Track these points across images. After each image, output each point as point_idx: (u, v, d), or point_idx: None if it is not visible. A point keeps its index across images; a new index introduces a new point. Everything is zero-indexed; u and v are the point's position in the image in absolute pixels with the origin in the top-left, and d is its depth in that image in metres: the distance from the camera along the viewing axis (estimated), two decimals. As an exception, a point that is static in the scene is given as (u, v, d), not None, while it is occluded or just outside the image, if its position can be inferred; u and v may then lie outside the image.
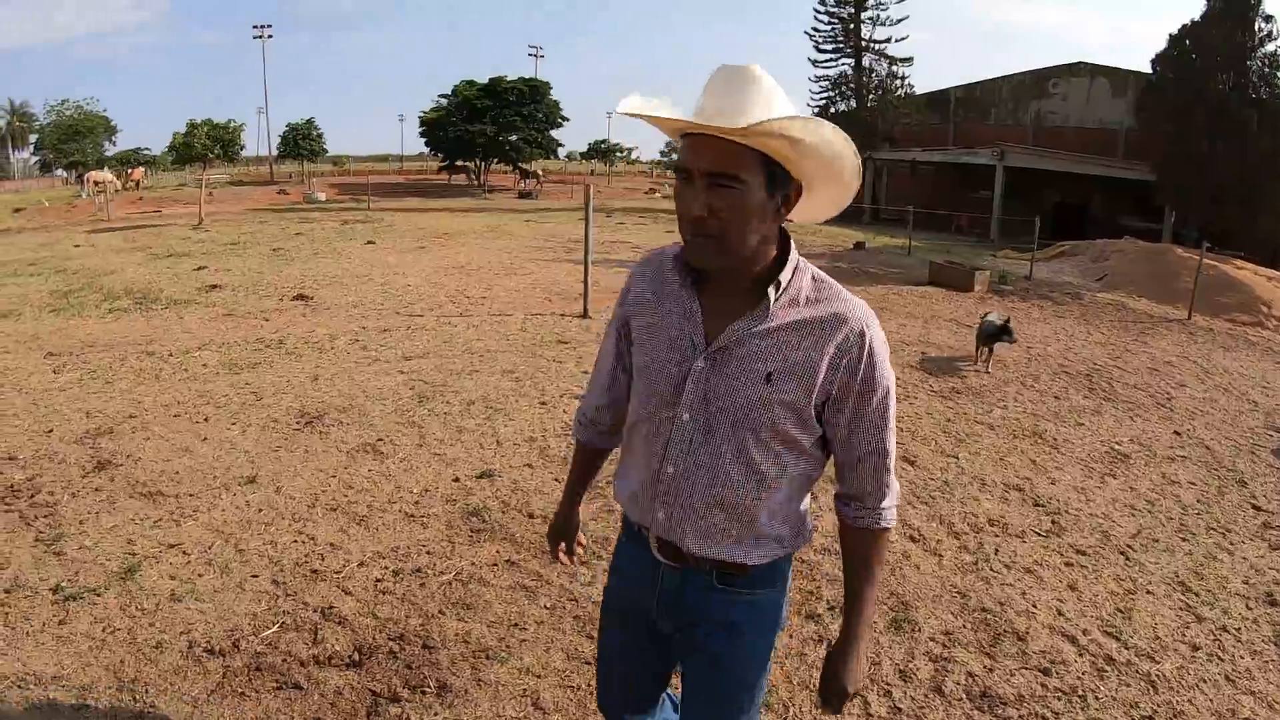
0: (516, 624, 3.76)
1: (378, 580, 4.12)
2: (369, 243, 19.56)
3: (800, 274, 1.62)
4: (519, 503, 5.02)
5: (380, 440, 6.00)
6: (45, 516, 4.91)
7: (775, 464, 1.62)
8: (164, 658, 3.52)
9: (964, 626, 4.01)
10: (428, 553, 4.40)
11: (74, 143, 64.40)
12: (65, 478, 5.48)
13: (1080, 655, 3.86)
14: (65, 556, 4.42)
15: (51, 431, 6.40)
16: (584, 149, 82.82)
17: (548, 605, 3.93)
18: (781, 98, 1.47)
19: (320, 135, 65.67)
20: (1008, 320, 9.10)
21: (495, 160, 51.86)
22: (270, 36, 67.39)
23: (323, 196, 40.21)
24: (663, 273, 1.72)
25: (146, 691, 3.30)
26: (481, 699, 3.25)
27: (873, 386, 1.59)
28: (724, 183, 1.47)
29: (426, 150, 56.44)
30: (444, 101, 52.47)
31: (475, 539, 4.55)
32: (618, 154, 79.11)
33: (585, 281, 11.40)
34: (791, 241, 1.62)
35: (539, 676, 3.41)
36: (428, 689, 3.28)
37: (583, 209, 11.32)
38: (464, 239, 20.53)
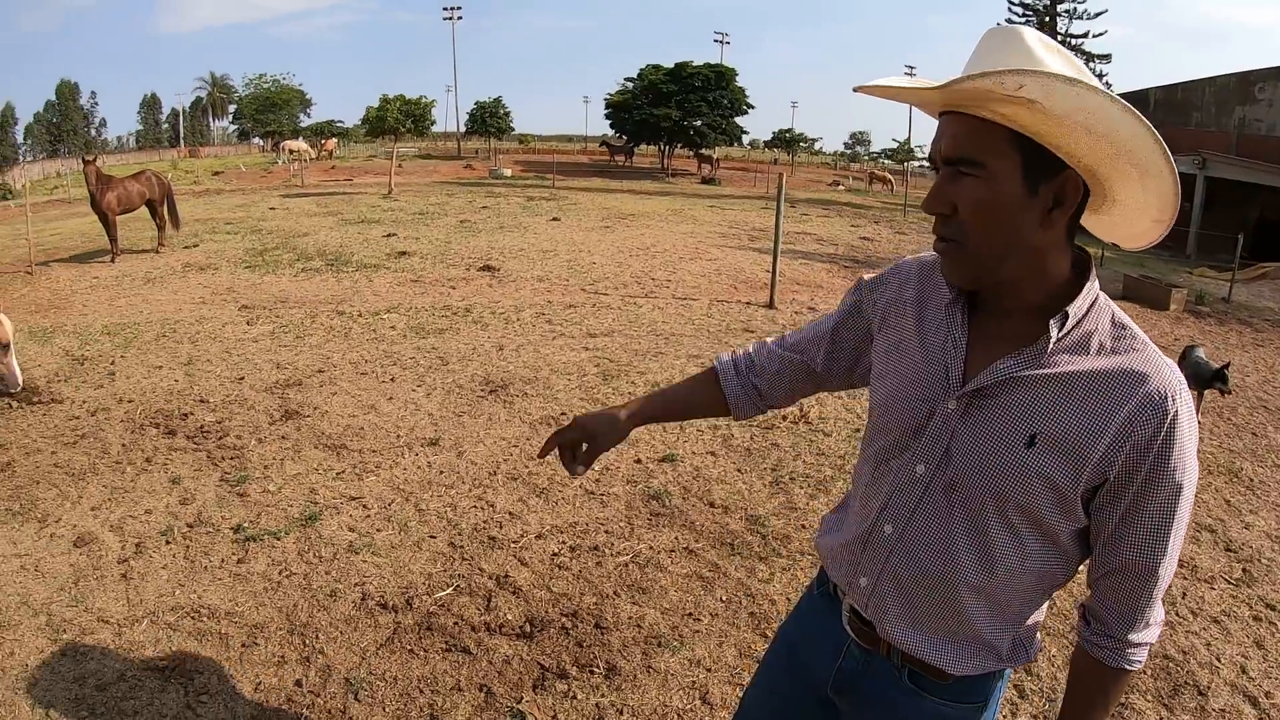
0: (691, 614, 3.68)
1: (554, 554, 4.13)
2: (554, 219, 20.14)
3: (1098, 312, 1.30)
4: (700, 490, 4.93)
5: (563, 414, 6.06)
6: (232, 459, 5.28)
7: (1016, 552, 1.33)
8: (337, 607, 3.66)
9: (1144, 672, 3.62)
10: (606, 532, 4.38)
11: (270, 114, 71.36)
12: (253, 424, 5.88)
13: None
14: (248, 499, 4.72)
15: (243, 379, 6.92)
16: (768, 137, 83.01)
17: (723, 598, 3.82)
18: (1062, 63, 1.18)
19: (507, 114, 69.68)
20: (1226, 366, 7.97)
21: (679, 145, 53.02)
22: (460, 18, 71.63)
23: (508, 172, 42.05)
24: (935, 280, 1.46)
25: (316, 637, 3.45)
26: (649, 686, 3.19)
27: (1162, 480, 1.24)
28: (963, 169, 1.23)
29: (611, 132, 58.27)
30: (629, 85, 54.22)
31: (654, 523, 4.50)
32: (801, 144, 78.58)
33: (773, 271, 11.18)
34: (1092, 269, 1.31)
35: (709, 670, 3.31)
36: (596, 669, 3.26)
37: (765, 197, 11.14)
38: (648, 221, 20.77)
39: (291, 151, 45.34)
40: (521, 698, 3.09)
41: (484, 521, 4.45)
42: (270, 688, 3.14)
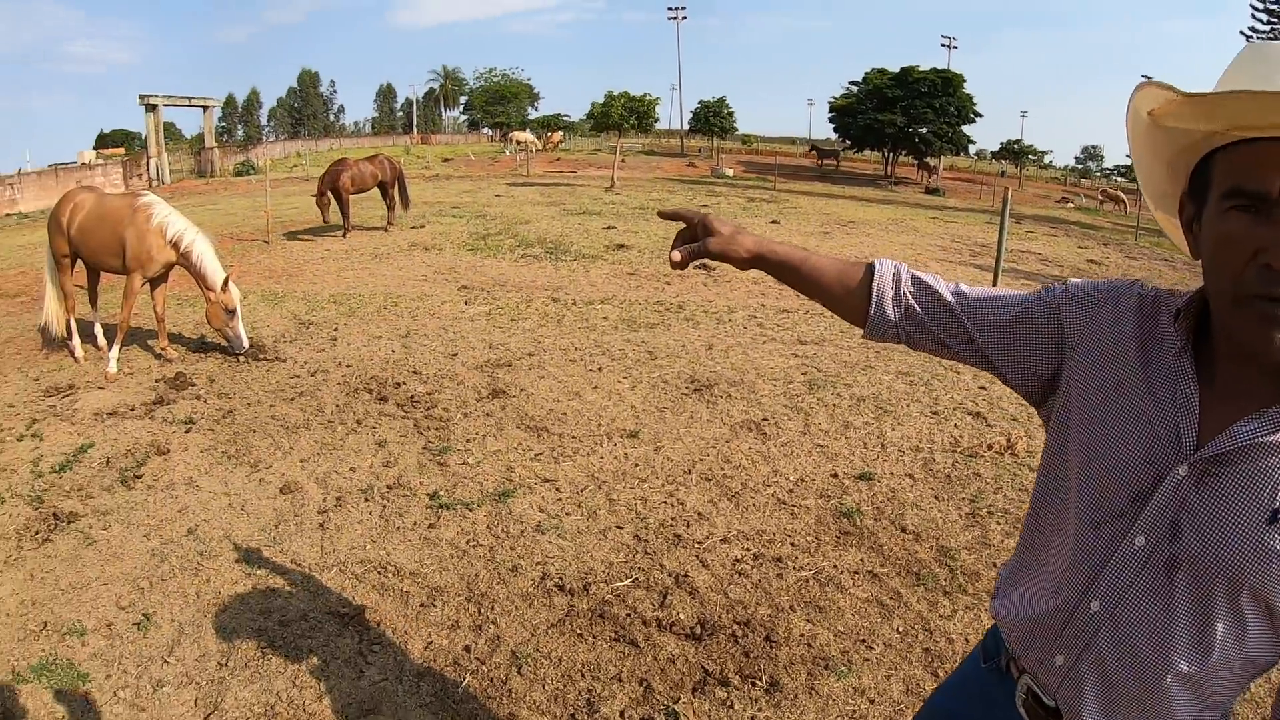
0: (864, 640, 3.56)
1: (736, 560, 4.12)
2: (773, 222, 20.08)
3: None
4: (893, 513, 4.76)
5: (765, 420, 6.03)
6: (437, 429, 5.62)
7: (1236, 637, 1.21)
8: (516, 582, 3.82)
9: None
10: (791, 544, 4.32)
11: (499, 106, 76.72)
12: (461, 398, 6.24)
13: None
14: (447, 469, 5.01)
15: (455, 355, 7.35)
16: (995, 148, 79.91)
17: (900, 629, 3.67)
18: None
19: (731, 114, 70.99)
20: None
21: (904, 152, 52.07)
22: (684, 18, 73.68)
23: (729, 172, 42.50)
24: (1156, 323, 1.32)
25: (492, 608, 3.62)
26: (809, 708, 3.11)
27: None
28: None
29: (835, 136, 58.00)
30: (854, 89, 54.29)
31: (842, 541, 4.39)
32: (1029, 156, 74.75)
33: (992, 291, 10.61)
34: None
35: (872, 702, 3.19)
36: (759, 682, 3.23)
37: (989, 211, 10.56)
38: (867, 229, 20.27)
39: (518, 142, 48.57)
40: (679, 698, 3.10)
41: (672, 518, 4.50)
42: (440, 648, 3.33)
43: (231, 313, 7.02)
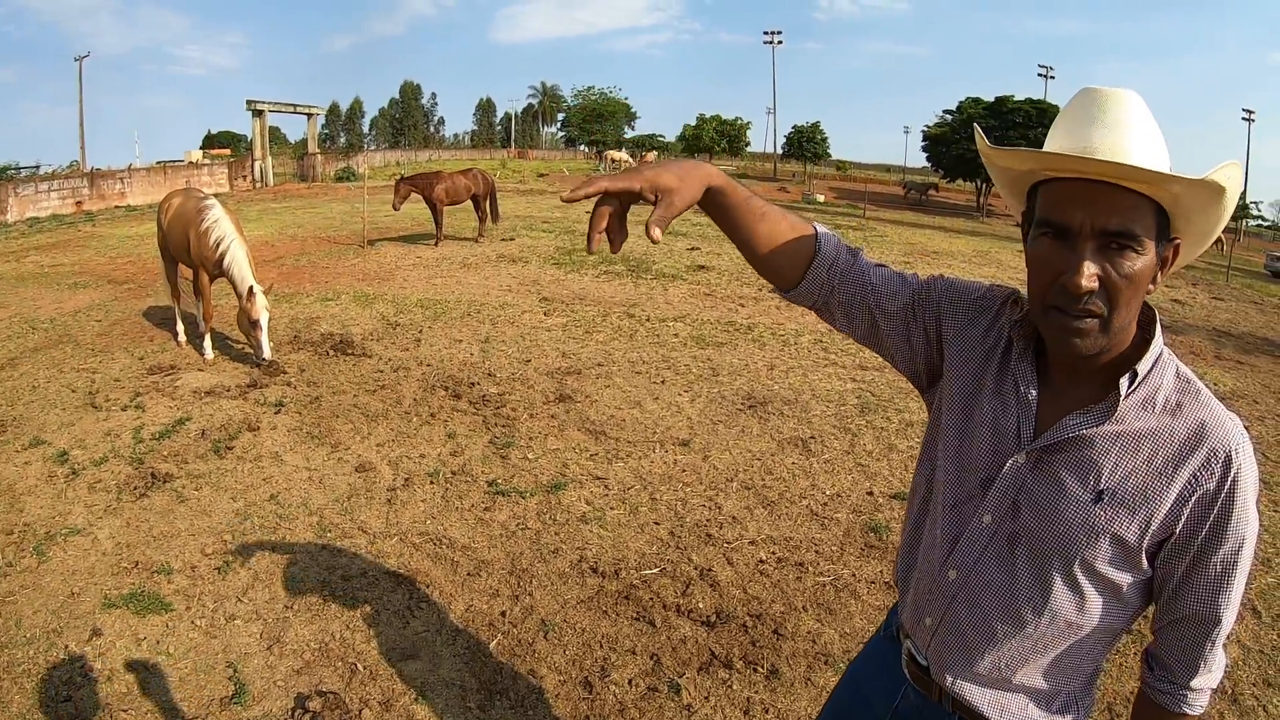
0: (866, 642, 3.80)
1: (761, 561, 4.43)
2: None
3: (1162, 368, 1.36)
4: (921, 533, 4.97)
5: (813, 438, 6.31)
6: (503, 426, 6.07)
7: (1077, 607, 1.39)
8: (555, 562, 4.22)
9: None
10: (816, 551, 4.60)
11: (596, 124, 77.64)
12: (529, 400, 6.68)
13: None
14: (508, 461, 5.45)
15: (529, 362, 7.81)
16: None
17: None
18: (1157, 133, 1.28)
19: (824, 139, 70.29)
20: None
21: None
22: (780, 42, 73.63)
23: (821, 198, 42.50)
24: (1003, 330, 1.49)
25: (530, 582, 4.03)
26: (802, 696, 3.40)
27: (1225, 533, 1.30)
28: (1124, 243, 1.25)
29: (928, 164, 57.42)
30: (948, 117, 53.63)
31: (866, 554, 4.64)
32: None
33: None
34: (1158, 322, 1.38)
35: None
36: (760, 668, 3.52)
37: None
38: (950, 260, 20.26)
39: (613, 160, 49.81)
40: (684, 674, 3.44)
41: (706, 520, 4.83)
42: (479, 611, 3.76)
43: (254, 323, 7.19)
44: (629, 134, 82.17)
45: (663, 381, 7.50)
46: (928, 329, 1.56)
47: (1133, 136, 1.24)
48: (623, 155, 51.70)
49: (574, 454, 5.67)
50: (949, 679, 1.52)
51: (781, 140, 72.21)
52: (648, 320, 10.03)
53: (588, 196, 1.38)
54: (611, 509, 4.89)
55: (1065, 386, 1.40)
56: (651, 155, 65.75)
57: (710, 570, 4.25)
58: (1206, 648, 1.37)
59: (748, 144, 63.33)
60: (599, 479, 5.29)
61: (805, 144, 68.13)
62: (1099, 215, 1.24)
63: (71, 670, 3.28)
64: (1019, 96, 50.30)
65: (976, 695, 1.50)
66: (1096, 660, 1.49)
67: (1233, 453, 1.28)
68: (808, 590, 4.18)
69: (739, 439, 6.19)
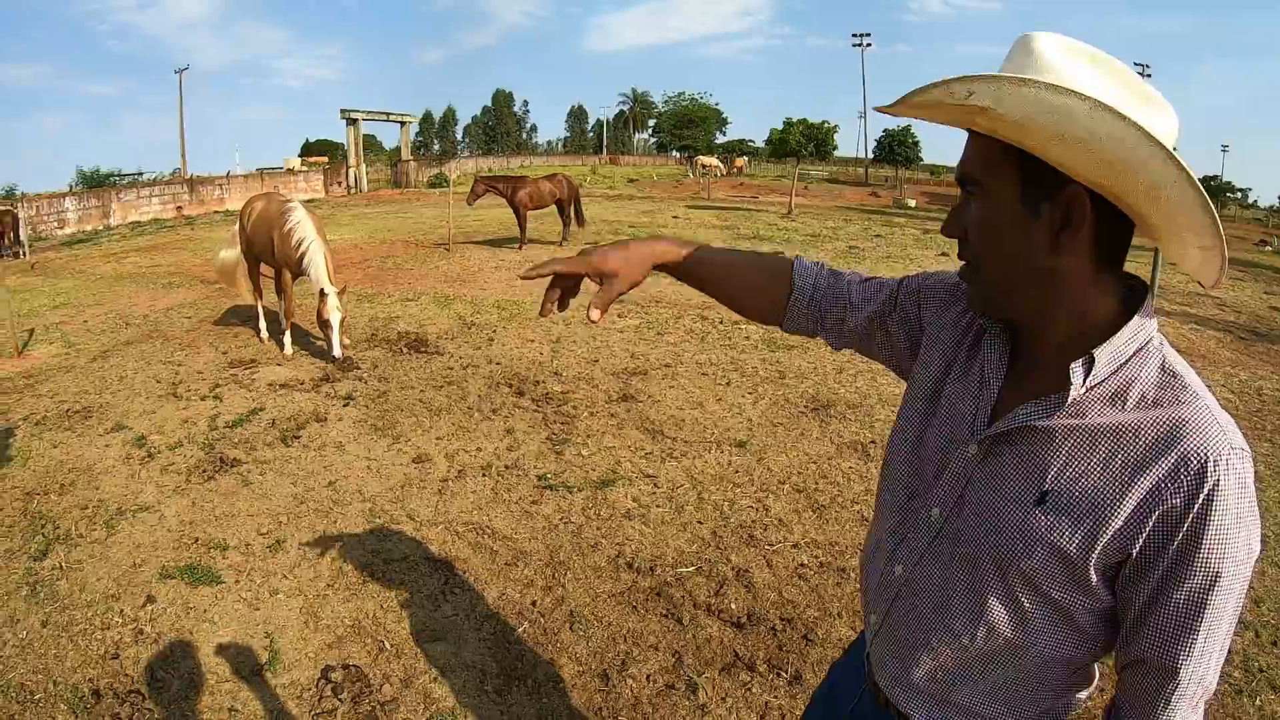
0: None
1: (800, 565, 4.42)
2: (942, 254, 19.70)
3: (1142, 358, 1.14)
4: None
5: (873, 443, 6.26)
6: (562, 423, 6.18)
7: (1015, 625, 1.21)
8: (593, 555, 4.30)
9: None
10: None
11: (687, 130, 78.10)
12: (591, 399, 6.79)
13: None
14: (562, 457, 5.56)
15: (597, 362, 7.92)
16: None
17: None
18: (1094, 71, 1.06)
19: (916, 143, 69.06)
20: None
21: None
22: (869, 45, 73.48)
23: (912, 203, 41.71)
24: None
25: (565, 574, 4.12)
26: (821, 703, 3.39)
27: (1192, 564, 1.06)
28: (968, 190, 1.21)
29: None
30: None
31: (916, 563, 4.60)
32: (1229, 194, 68.29)
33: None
34: (1143, 310, 1.15)
35: None
36: (784, 673, 3.52)
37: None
38: None
39: (704, 166, 49.84)
40: (704, 673, 3.46)
41: (752, 521, 4.84)
42: (511, 599, 3.86)
43: (325, 323, 7.41)
44: (720, 139, 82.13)
45: (728, 383, 7.51)
46: (909, 319, 1.50)
47: (985, 75, 1.06)
48: (713, 161, 51.77)
49: (628, 452, 5.74)
50: (883, 682, 1.43)
51: (873, 144, 71.33)
52: (720, 323, 10.04)
53: (541, 277, 1.51)
54: (657, 506, 4.94)
55: (1027, 374, 1.25)
56: (741, 161, 65.64)
57: (747, 571, 4.27)
58: (1159, 707, 1.13)
59: (835, 147, 62.62)
60: (649, 477, 5.35)
61: (896, 148, 66.98)
62: (961, 162, 1.23)
63: (123, 632, 3.57)
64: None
65: (914, 707, 1.38)
66: (1059, 697, 1.29)
67: (1209, 463, 1.04)
68: (845, 596, 4.15)
69: (797, 441, 6.18)
